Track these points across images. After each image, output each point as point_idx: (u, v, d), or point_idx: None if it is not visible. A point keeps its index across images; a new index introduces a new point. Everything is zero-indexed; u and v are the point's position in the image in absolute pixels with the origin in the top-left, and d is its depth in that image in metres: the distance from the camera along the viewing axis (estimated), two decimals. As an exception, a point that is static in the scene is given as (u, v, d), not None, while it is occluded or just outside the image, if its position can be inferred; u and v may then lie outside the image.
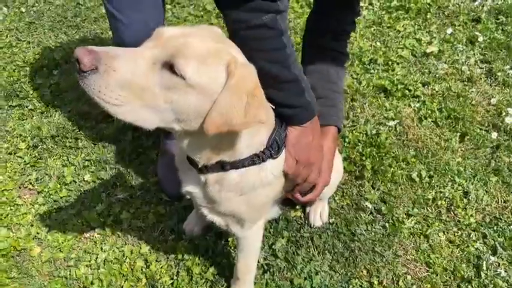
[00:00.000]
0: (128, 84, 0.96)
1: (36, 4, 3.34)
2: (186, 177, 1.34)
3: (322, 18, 1.56)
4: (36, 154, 2.24)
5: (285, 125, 1.31)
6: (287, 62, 1.24)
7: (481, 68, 2.64)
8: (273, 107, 1.28)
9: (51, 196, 2.07)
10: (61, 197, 2.06)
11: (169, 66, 0.97)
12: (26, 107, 2.48)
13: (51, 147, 2.27)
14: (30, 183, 2.13)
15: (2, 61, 2.81)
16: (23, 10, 3.27)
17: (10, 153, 2.25)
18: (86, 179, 2.13)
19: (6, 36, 3.02)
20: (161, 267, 1.79)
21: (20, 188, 2.12)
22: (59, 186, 2.10)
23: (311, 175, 1.38)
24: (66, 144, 2.29)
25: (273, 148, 1.25)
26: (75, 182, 2.13)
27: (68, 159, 2.22)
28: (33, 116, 2.43)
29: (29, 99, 2.53)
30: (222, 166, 1.20)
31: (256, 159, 1.22)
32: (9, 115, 2.45)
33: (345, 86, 1.62)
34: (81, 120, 2.40)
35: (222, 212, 1.33)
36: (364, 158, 2.15)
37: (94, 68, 0.93)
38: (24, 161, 2.21)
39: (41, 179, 2.15)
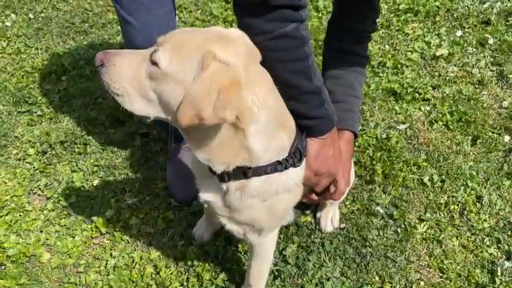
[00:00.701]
0: (125, 76, 1.10)
1: (45, 10, 3.36)
2: (203, 185, 1.32)
3: (342, 20, 1.54)
4: (45, 160, 2.24)
5: (305, 135, 1.29)
6: (309, 73, 1.21)
7: (491, 70, 2.61)
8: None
9: (60, 202, 2.06)
10: (70, 203, 2.06)
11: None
12: (35, 112, 2.49)
13: (60, 152, 2.27)
14: (40, 189, 2.13)
15: (10, 67, 2.82)
16: (31, 16, 3.28)
17: (19, 159, 2.26)
18: (94, 185, 2.13)
19: (15, 42, 3.03)
20: (171, 273, 1.78)
21: (29, 194, 2.12)
22: (68, 191, 2.10)
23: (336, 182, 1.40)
24: (75, 149, 2.29)
25: (295, 156, 1.23)
26: (84, 188, 2.12)
27: (77, 165, 2.22)
28: (42, 122, 2.44)
29: (37, 105, 2.54)
30: (244, 173, 1.19)
31: (279, 166, 1.21)
32: (18, 121, 2.46)
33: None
34: (90, 125, 2.40)
35: (242, 221, 1.31)
36: (374, 162, 2.12)
37: (102, 64, 1.11)
38: (34, 167, 2.21)
39: (50, 185, 2.14)
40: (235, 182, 1.20)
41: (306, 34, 1.18)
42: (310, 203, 1.57)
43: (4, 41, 3.05)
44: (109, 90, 1.13)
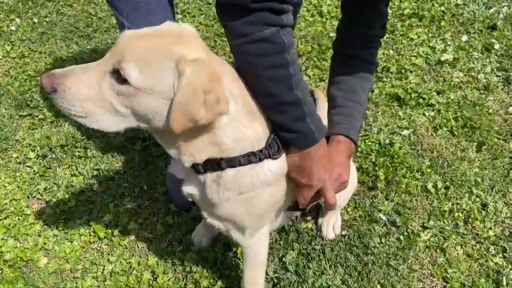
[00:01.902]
0: (85, 97, 1.03)
1: (49, 15, 3.37)
2: (187, 179, 1.32)
3: (350, 25, 1.50)
4: (45, 164, 2.23)
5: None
6: (289, 82, 1.15)
7: (497, 76, 2.57)
8: None
9: (59, 206, 2.04)
10: (69, 207, 2.04)
11: (117, 72, 1.00)
12: (36, 116, 2.48)
13: (60, 156, 2.26)
14: (39, 192, 2.11)
15: (13, 71, 2.82)
16: (36, 21, 3.30)
17: (19, 163, 2.25)
18: (94, 189, 2.11)
19: (19, 46, 3.04)
20: (168, 279, 1.75)
21: (28, 197, 2.11)
22: (67, 196, 2.08)
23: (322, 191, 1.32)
24: (75, 153, 2.27)
25: (271, 148, 1.20)
26: (84, 192, 2.11)
27: (77, 169, 2.20)
28: (43, 126, 2.43)
29: (39, 108, 2.53)
30: (218, 165, 1.17)
31: (252, 157, 1.18)
32: (19, 125, 2.45)
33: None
34: (90, 130, 2.37)
35: (222, 216, 1.29)
36: (377, 168, 2.09)
37: (55, 90, 1.03)
38: (33, 171, 2.20)
39: (49, 189, 2.13)
40: (212, 173, 1.19)
41: (289, 40, 1.13)
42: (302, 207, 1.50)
43: (8, 45, 3.06)
44: (70, 115, 1.06)
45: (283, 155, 1.25)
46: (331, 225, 1.85)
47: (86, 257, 1.86)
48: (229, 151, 1.15)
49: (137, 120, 1.08)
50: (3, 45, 3.05)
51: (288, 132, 1.20)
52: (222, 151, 1.15)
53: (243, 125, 1.15)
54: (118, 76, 1.01)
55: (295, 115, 1.18)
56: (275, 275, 1.75)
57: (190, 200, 1.39)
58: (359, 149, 2.19)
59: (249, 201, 1.26)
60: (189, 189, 1.31)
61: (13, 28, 3.23)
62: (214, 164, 1.17)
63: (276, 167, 1.24)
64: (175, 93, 0.99)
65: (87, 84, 1.03)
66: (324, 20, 3.09)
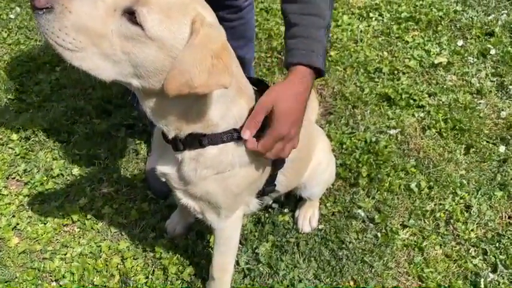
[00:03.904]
0: (84, 28, 0.92)
1: (49, 5, 3.40)
2: (162, 159, 1.28)
3: None
4: (28, 146, 2.22)
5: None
6: None
7: (492, 81, 2.52)
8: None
9: (37, 188, 2.03)
10: (46, 189, 2.02)
11: (130, 14, 0.92)
12: (24, 100, 2.48)
13: (43, 140, 2.24)
14: (18, 174, 2.10)
15: (7, 57, 2.83)
16: (35, 10, 3.32)
17: (2, 144, 2.23)
18: (73, 173, 2.09)
19: (16, 33, 3.05)
20: (137, 265, 1.71)
21: (7, 178, 2.09)
22: (45, 178, 2.06)
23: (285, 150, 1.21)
24: (58, 138, 2.26)
25: None
26: (63, 176, 2.09)
27: (59, 153, 2.19)
28: (29, 110, 2.42)
29: (28, 93, 2.53)
30: (199, 141, 1.14)
31: (235, 134, 1.15)
32: (6, 108, 2.45)
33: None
34: (76, 115, 2.37)
35: (196, 195, 1.25)
36: (360, 165, 2.04)
37: (49, 7, 0.89)
38: (15, 152, 2.19)
39: (29, 171, 2.11)
40: (190, 151, 1.15)
41: None
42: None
43: (5, 32, 3.07)
44: (54, 44, 0.92)
45: None
46: (308, 218, 1.80)
47: (57, 239, 1.84)
48: (213, 127, 1.13)
49: (131, 73, 0.98)
50: (0, 32, 3.07)
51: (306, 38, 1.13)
52: (207, 127, 1.12)
53: (231, 101, 1.13)
54: (131, 17, 0.92)
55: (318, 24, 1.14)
56: (246, 266, 1.70)
57: (163, 179, 1.35)
58: (344, 146, 2.15)
59: (225, 180, 1.23)
60: (164, 169, 1.27)
61: (12, 16, 3.25)
62: (195, 141, 1.14)
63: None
64: (181, 50, 0.94)
65: (92, 15, 0.92)
66: None
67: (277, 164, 1.33)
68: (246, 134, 1.13)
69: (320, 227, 1.82)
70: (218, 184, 1.22)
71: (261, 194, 1.42)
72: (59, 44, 0.92)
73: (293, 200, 1.89)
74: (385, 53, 2.75)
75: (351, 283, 1.65)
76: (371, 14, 3.05)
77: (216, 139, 1.14)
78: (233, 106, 1.13)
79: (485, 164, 2.07)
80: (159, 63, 0.95)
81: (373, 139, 2.18)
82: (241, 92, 1.15)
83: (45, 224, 1.89)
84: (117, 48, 0.94)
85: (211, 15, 1.03)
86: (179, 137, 1.13)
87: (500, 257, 1.70)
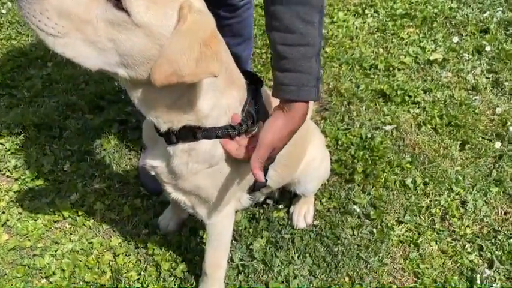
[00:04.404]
0: (67, 12, 0.88)
1: (41, 1, 3.35)
2: (152, 152, 1.25)
3: None
4: (18, 142, 2.18)
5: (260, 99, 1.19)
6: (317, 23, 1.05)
7: (487, 77, 2.51)
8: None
9: (27, 184, 1.99)
10: (37, 186, 1.98)
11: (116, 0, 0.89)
12: (15, 96, 2.44)
13: (34, 135, 2.20)
14: (8, 170, 2.06)
15: (-1, 52, 2.79)
16: (27, 5, 3.28)
17: (-8, 140, 2.20)
18: (65, 169, 2.06)
19: (7, 28, 3.02)
20: (129, 261, 1.68)
21: (-3, 174, 2.06)
22: (36, 174, 2.03)
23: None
24: (50, 133, 2.22)
25: (247, 120, 1.15)
26: (54, 172, 2.05)
27: (50, 149, 2.15)
28: (20, 105, 2.39)
29: (19, 88, 2.49)
30: (193, 135, 1.11)
31: (231, 130, 1.13)
32: (-3, 103, 2.41)
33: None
34: (68, 110, 2.34)
35: (186, 189, 1.23)
36: (356, 161, 2.02)
37: None
38: (5, 148, 2.15)
39: (19, 167, 2.07)
40: (184, 144, 1.13)
41: None
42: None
43: (-4, 27, 3.04)
44: (37, 30, 0.89)
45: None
46: (303, 214, 1.78)
47: (47, 236, 1.80)
48: (205, 119, 1.10)
49: (117, 62, 0.94)
50: (-9, 27, 3.03)
51: (296, 72, 1.07)
52: (198, 119, 1.09)
53: (221, 91, 1.10)
54: (117, 3, 0.88)
55: (309, 55, 1.07)
56: (241, 262, 1.68)
57: (152, 173, 1.32)
58: (339, 142, 2.13)
59: (217, 174, 1.21)
60: (154, 163, 1.24)
61: (4, 11, 3.21)
62: (189, 134, 1.11)
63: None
64: (169, 38, 0.91)
65: (75, 1, 0.89)
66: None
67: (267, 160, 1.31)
68: (259, 176, 1.11)
69: (315, 223, 1.80)
70: (209, 178, 1.20)
71: (252, 190, 1.40)
72: (41, 29, 0.88)
73: (288, 196, 1.87)
74: (381, 50, 2.73)
75: (346, 279, 1.63)
76: (366, 11, 3.04)
77: (211, 133, 1.12)
78: (223, 97, 1.11)
79: (481, 160, 2.06)
80: (146, 51, 0.92)
81: (369, 135, 2.16)
82: (232, 82, 1.13)
83: (35, 220, 1.85)
84: (102, 35, 0.91)
85: (199, 1, 0.99)
86: (173, 130, 1.10)
87: (496, 252, 1.69)
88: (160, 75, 0.90)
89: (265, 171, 1.35)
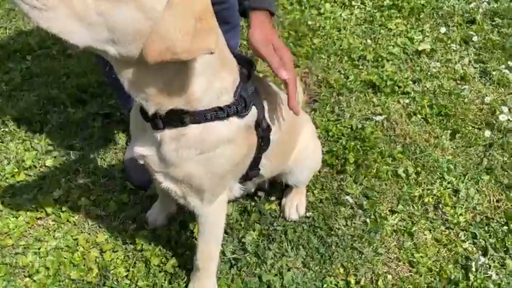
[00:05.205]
0: None
1: (19, -7, 3.24)
2: (140, 140, 1.19)
3: None
4: (-3, 137, 2.09)
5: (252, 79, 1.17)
6: None
7: (475, 67, 2.52)
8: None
9: (7, 180, 1.91)
10: (18, 182, 1.90)
11: None
12: (-7, 89, 2.35)
13: (14, 130, 2.12)
14: (-13, 166, 1.97)
15: (-25, 45, 2.68)
16: (5, -2, 3.16)
17: (-31, 135, 2.10)
18: (47, 164, 1.98)
19: (-17, 21, 2.90)
20: (117, 257, 1.62)
21: (-25, 171, 1.96)
22: (16, 170, 1.94)
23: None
24: (30, 128, 2.14)
25: (239, 103, 1.11)
26: (35, 167, 1.97)
27: (31, 144, 2.06)
28: (-2, 99, 2.29)
29: (-4, 82, 2.40)
30: (180, 120, 1.06)
31: (220, 112, 1.08)
32: (-26, 98, 2.31)
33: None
34: (49, 104, 2.25)
35: (178, 177, 1.18)
36: (347, 152, 2.00)
37: None
38: (-17, 144, 2.06)
39: (-1, 163, 1.99)
40: (171, 130, 1.08)
41: None
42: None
43: (-28, 20, 2.92)
44: (20, 4, 0.82)
45: (250, 113, 1.16)
46: (295, 205, 1.74)
47: (30, 233, 1.73)
48: (196, 102, 1.05)
49: (107, 39, 0.88)
50: (-34, 19, 2.91)
51: None
52: (188, 101, 1.04)
53: (213, 73, 1.05)
54: None
55: None
56: (233, 256, 1.63)
57: (141, 162, 1.26)
58: (330, 133, 2.10)
59: (209, 161, 1.15)
60: (142, 150, 1.18)
61: (-20, 4, 3.09)
62: (177, 118, 1.06)
63: (241, 121, 1.14)
64: (161, 12, 0.85)
65: None
66: (303, 8, 3.02)
67: (261, 147, 1.27)
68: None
69: (308, 214, 1.76)
70: (202, 165, 1.14)
71: (244, 179, 1.36)
72: (25, 2, 0.82)
73: (279, 188, 1.83)
74: (369, 41, 2.71)
75: (341, 270, 1.60)
76: (353, 2, 3.02)
77: (199, 117, 1.07)
78: (216, 79, 1.06)
79: (472, 148, 2.05)
80: (139, 27, 0.86)
81: (359, 126, 2.14)
82: (224, 64, 1.08)
83: (17, 217, 1.77)
84: (91, 8, 0.85)
85: None
86: (159, 113, 1.04)
87: (490, 240, 1.68)
88: (153, 53, 0.85)
89: (258, 160, 1.31)
